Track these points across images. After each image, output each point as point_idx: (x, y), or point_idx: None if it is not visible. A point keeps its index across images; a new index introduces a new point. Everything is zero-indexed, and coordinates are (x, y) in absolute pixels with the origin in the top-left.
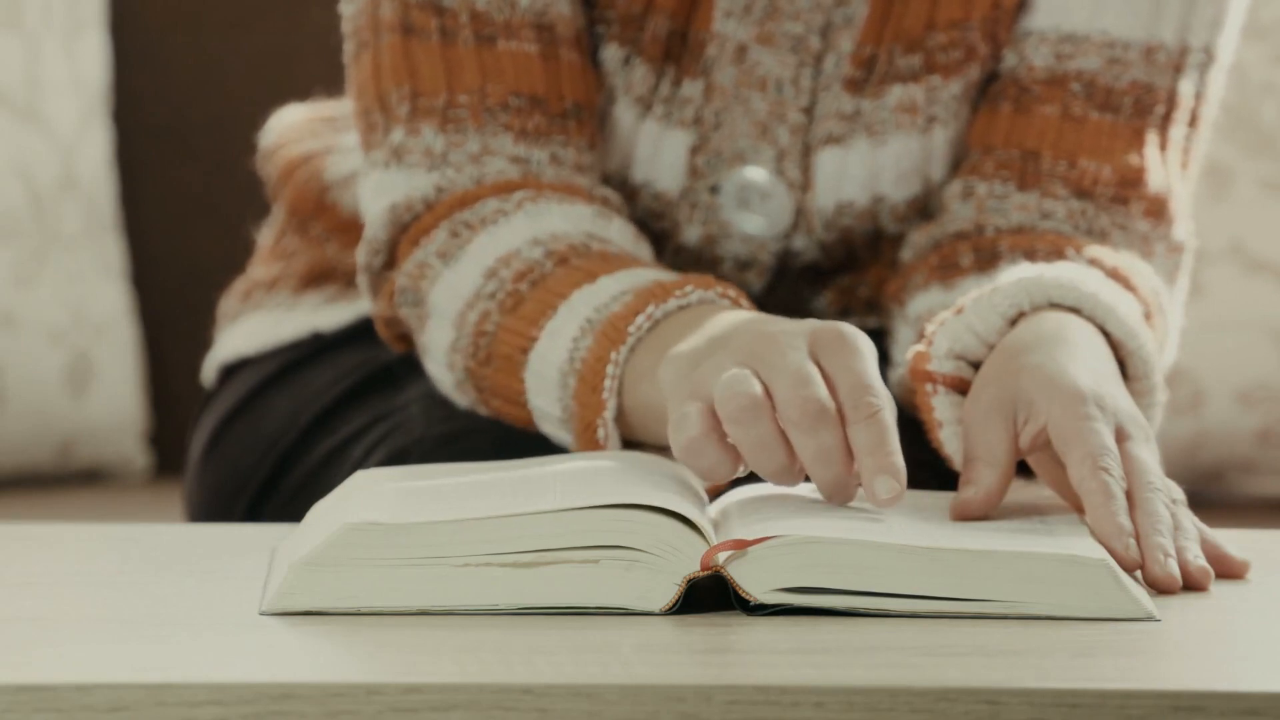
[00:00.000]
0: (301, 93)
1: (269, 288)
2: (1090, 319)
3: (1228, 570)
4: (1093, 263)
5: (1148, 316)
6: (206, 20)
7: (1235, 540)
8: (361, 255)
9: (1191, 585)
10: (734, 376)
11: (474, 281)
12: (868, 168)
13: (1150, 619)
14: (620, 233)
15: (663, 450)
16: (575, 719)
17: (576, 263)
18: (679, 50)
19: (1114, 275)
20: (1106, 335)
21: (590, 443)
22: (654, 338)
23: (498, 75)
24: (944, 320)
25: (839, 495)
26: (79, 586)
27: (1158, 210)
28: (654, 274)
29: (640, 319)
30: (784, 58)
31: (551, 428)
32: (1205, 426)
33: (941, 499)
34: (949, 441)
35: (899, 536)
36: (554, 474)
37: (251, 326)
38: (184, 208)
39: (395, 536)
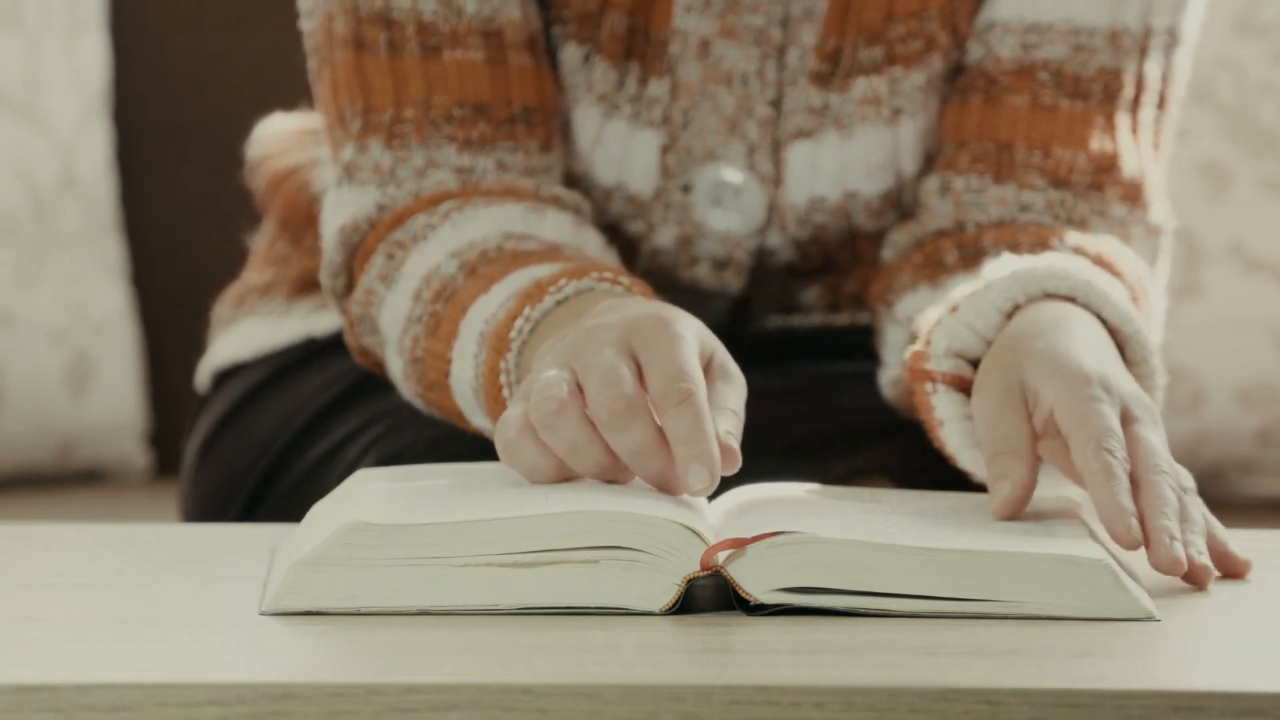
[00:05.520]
0: (301, 93)
1: (263, 293)
2: (1086, 306)
3: (1230, 569)
4: (1076, 251)
5: (1135, 300)
6: (206, 20)
7: (1235, 540)
8: (324, 279)
9: (1192, 581)
10: (545, 380)
11: (406, 306)
12: (838, 162)
13: (1150, 619)
14: (554, 225)
15: None
16: (575, 719)
17: (483, 270)
18: (642, 47)
19: (1099, 262)
20: (1103, 322)
21: None
22: (537, 339)
23: (443, 86)
24: (940, 319)
25: (667, 488)
26: (79, 586)
27: (1134, 194)
28: (538, 271)
29: (519, 323)
30: (747, 50)
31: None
32: (1205, 426)
33: (941, 499)
34: (950, 439)
35: (899, 537)
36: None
37: (245, 332)
38: (184, 208)
39: (395, 537)
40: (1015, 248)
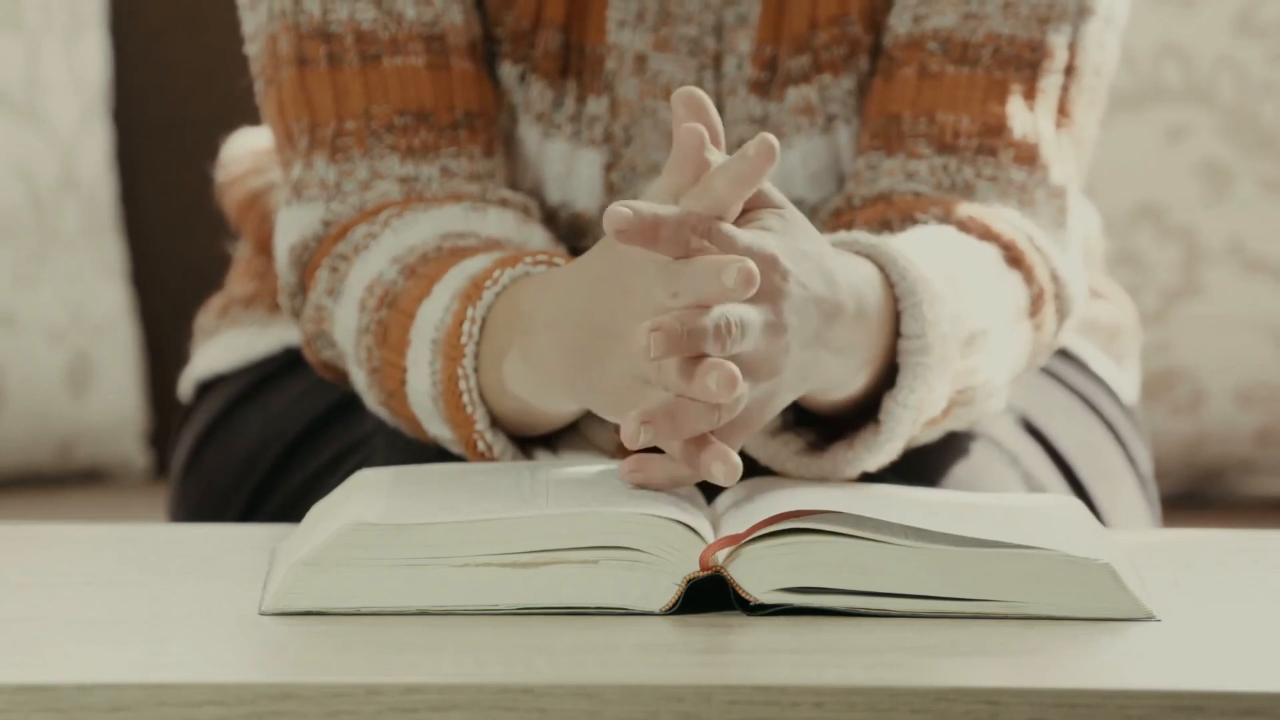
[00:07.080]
0: None
1: (246, 305)
2: (880, 266)
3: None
4: (942, 220)
5: (1015, 261)
6: (206, 20)
7: (1235, 540)
8: (282, 300)
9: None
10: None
11: (354, 317)
12: (780, 172)
13: (1150, 619)
14: (497, 222)
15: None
16: (575, 719)
17: (422, 271)
18: (578, 65)
19: (966, 226)
20: (892, 284)
21: (479, 459)
22: (488, 340)
23: (383, 94)
24: None
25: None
26: (79, 586)
27: (1029, 157)
28: (472, 265)
29: (466, 326)
30: (683, 62)
31: (458, 450)
32: (1205, 426)
33: (935, 495)
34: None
35: (884, 510)
36: (551, 480)
37: (227, 343)
38: (184, 208)
39: (395, 537)
40: (885, 225)
